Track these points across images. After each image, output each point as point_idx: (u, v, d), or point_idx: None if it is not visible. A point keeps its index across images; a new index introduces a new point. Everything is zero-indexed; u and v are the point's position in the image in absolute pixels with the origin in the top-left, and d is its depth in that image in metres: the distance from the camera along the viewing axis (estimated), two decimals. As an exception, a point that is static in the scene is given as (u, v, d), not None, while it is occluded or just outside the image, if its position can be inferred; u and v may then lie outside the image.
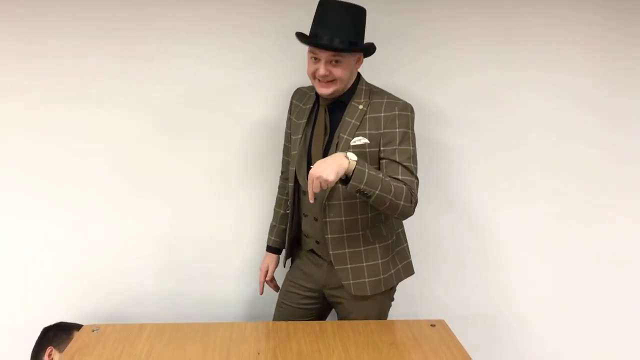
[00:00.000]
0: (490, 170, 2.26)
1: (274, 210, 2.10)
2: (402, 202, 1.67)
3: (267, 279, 2.08)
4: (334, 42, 1.67)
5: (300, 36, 1.74)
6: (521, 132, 2.24)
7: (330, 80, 1.73)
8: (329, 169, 1.56)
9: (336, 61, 1.70)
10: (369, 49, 1.77)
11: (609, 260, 2.37)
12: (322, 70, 1.70)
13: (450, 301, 2.35)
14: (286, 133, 2.02)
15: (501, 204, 2.29)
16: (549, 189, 2.29)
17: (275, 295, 2.08)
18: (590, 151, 2.27)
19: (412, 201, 1.70)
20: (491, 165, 2.26)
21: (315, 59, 1.72)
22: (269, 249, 2.09)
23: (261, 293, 2.10)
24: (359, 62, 1.78)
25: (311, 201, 1.63)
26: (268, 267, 2.08)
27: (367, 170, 1.62)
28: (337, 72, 1.71)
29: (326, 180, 1.56)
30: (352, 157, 1.62)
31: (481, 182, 2.27)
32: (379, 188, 1.63)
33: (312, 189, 1.59)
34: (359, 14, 1.74)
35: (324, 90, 1.74)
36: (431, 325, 1.86)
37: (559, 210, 2.31)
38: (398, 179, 1.70)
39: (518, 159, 2.26)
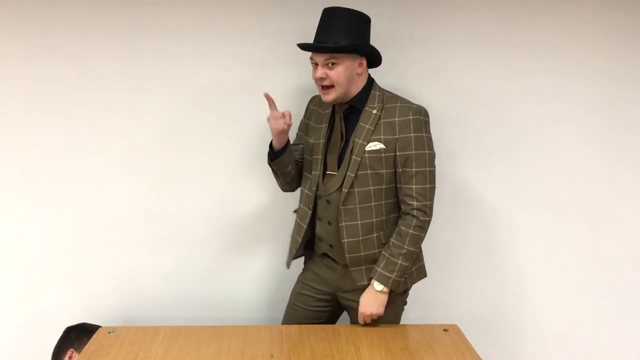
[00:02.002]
0: (501, 174, 2.26)
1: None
2: (420, 234, 1.81)
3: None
4: (327, 44, 1.69)
5: (300, 44, 1.77)
6: (534, 133, 2.24)
7: (328, 85, 1.74)
8: (375, 305, 1.82)
9: (332, 63, 1.71)
10: (364, 49, 1.76)
11: (629, 265, 2.34)
12: (318, 73, 1.73)
13: (463, 305, 2.35)
14: (297, 134, 2.03)
15: (512, 208, 2.28)
16: (561, 193, 2.28)
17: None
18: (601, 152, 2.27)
19: (424, 215, 1.80)
20: (501, 169, 2.25)
21: (316, 64, 1.74)
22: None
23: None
24: (361, 66, 1.78)
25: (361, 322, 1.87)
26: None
27: (395, 274, 1.79)
28: (333, 74, 1.72)
29: (378, 314, 1.83)
30: (380, 287, 1.80)
31: (492, 185, 2.26)
32: (407, 261, 1.80)
33: (364, 322, 1.87)
34: (358, 18, 1.75)
35: (325, 97, 1.77)
36: (444, 329, 1.87)
37: (573, 214, 2.30)
38: (408, 199, 1.79)
39: (530, 162, 2.26)
